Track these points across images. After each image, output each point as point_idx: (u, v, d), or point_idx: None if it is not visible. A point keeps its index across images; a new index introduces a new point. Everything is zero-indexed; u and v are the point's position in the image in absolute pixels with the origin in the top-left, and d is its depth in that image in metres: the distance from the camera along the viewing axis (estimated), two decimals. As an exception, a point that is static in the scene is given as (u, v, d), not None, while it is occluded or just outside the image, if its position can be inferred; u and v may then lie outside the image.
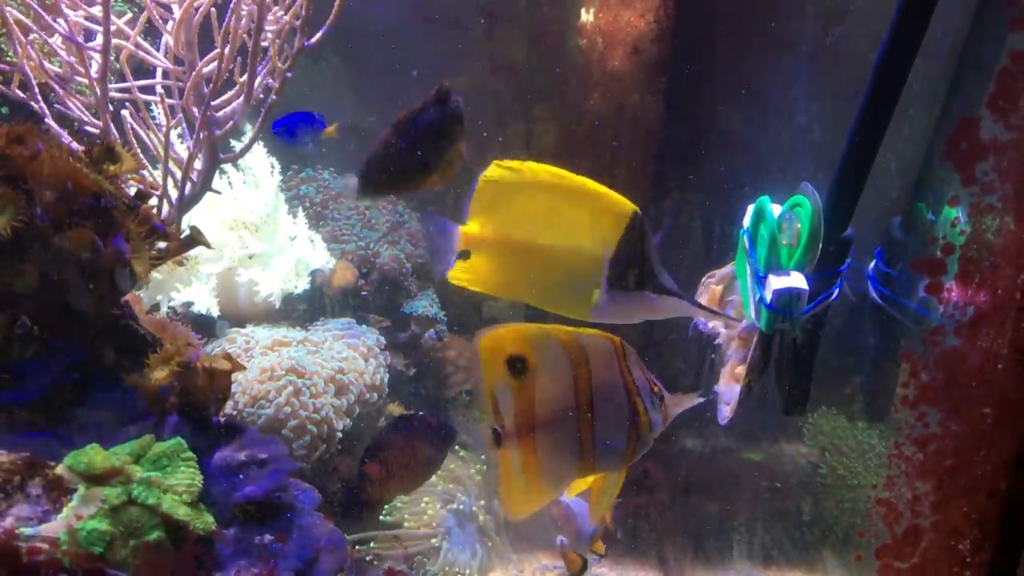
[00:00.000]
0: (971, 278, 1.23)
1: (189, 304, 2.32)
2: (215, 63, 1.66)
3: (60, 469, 1.36)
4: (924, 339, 1.26)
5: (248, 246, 2.45)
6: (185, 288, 2.32)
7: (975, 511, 1.30)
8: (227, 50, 1.61)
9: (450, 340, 3.13)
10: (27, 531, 1.29)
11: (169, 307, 2.30)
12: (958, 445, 1.28)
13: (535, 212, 1.74)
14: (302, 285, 2.55)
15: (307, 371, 2.29)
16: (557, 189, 1.73)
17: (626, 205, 1.71)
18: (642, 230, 1.71)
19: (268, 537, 1.49)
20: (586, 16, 3.22)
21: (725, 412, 1.91)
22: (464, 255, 1.79)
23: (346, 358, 2.44)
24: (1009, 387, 1.24)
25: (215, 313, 2.35)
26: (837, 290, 1.82)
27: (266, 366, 2.26)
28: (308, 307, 2.66)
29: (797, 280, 1.76)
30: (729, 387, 1.93)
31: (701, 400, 1.51)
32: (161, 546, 1.35)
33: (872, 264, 2.00)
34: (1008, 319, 1.22)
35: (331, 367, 2.36)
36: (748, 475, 3.03)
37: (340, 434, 2.33)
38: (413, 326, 2.95)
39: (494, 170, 1.75)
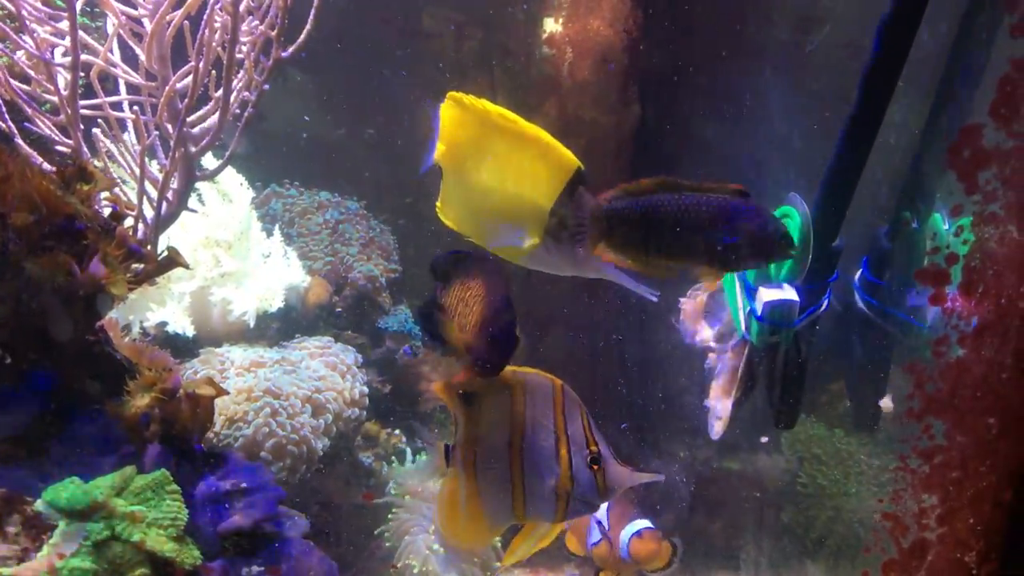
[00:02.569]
0: (974, 287, 1.21)
1: (163, 324, 2.25)
2: (188, 78, 1.61)
3: (39, 505, 1.30)
4: (929, 348, 1.25)
5: (222, 264, 2.39)
6: (159, 308, 2.26)
7: (981, 522, 1.29)
8: (201, 64, 1.56)
9: (425, 355, 3.08)
10: (6, 571, 1.23)
11: (142, 327, 2.23)
12: (963, 456, 1.27)
13: (483, 151, 1.73)
14: (276, 303, 2.49)
15: (284, 392, 2.24)
16: (509, 132, 1.72)
17: (571, 160, 1.70)
18: (584, 187, 1.70)
19: (257, 568, 1.44)
20: (554, 26, 3.21)
21: (717, 427, 1.89)
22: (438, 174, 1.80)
23: (323, 377, 2.39)
24: (1013, 397, 1.23)
25: (189, 333, 2.28)
26: (827, 301, 1.81)
27: (242, 387, 2.21)
28: (282, 325, 2.60)
29: (788, 292, 1.75)
30: (720, 402, 1.91)
31: (659, 479, 1.41)
32: (147, 583, 1.29)
33: (858, 274, 2.00)
34: (1011, 329, 1.22)
35: (308, 387, 2.31)
36: (727, 485, 3.02)
37: (320, 453, 2.28)
38: (388, 342, 2.90)
39: (449, 103, 1.74)
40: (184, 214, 1.86)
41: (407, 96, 3.24)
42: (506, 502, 1.38)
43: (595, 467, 1.33)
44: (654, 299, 1.71)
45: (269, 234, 2.61)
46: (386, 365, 2.89)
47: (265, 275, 2.49)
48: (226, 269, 2.41)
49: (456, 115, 1.75)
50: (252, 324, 2.44)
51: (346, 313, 2.81)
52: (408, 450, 2.69)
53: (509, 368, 1.39)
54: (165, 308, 2.30)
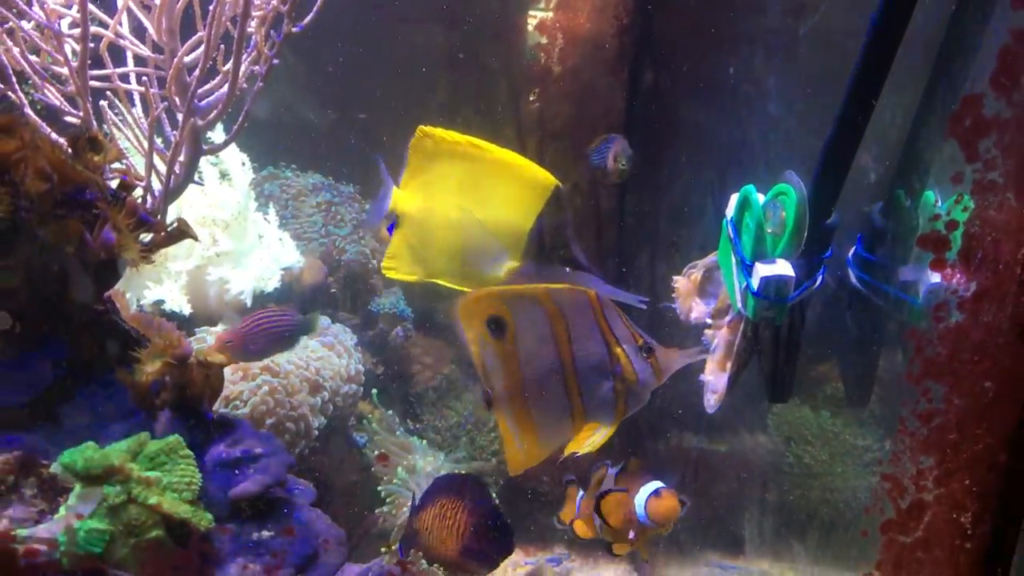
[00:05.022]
0: (973, 254, 1.25)
1: (160, 302, 2.26)
2: (196, 51, 1.62)
3: (55, 468, 1.31)
4: (924, 320, 1.28)
5: (219, 243, 2.39)
6: (155, 286, 2.26)
7: (976, 484, 1.32)
8: (211, 37, 1.57)
9: (416, 338, 3.11)
10: (23, 532, 1.24)
11: (139, 306, 2.24)
12: (961, 419, 1.31)
13: (457, 183, 1.76)
14: (273, 283, 2.50)
15: (282, 369, 2.25)
16: (480, 160, 1.75)
17: (548, 179, 1.73)
18: (562, 204, 1.73)
19: (267, 533, 1.46)
20: (545, 12, 3.23)
21: (712, 401, 1.93)
22: (393, 223, 1.84)
23: (320, 356, 2.41)
24: (1009, 362, 1.27)
25: (186, 311, 2.29)
26: (821, 277, 1.85)
27: (239, 365, 2.22)
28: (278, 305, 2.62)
29: (784, 267, 1.78)
30: (716, 376, 1.94)
31: (703, 356, 1.47)
32: (162, 544, 1.31)
33: (852, 250, 2.04)
34: (1008, 295, 1.25)
35: (305, 365, 2.32)
36: (715, 466, 3.06)
37: (316, 431, 2.30)
38: (380, 324, 2.92)
39: (419, 137, 1.77)
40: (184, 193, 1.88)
41: (398, 83, 3.26)
42: (564, 421, 1.43)
43: (649, 356, 1.40)
44: (643, 307, 1.75)
45: (265, 215, 2.62)
46: (379, 346, 2.91)
47: (261, 255, 2.50)
48: (223, 249, 2.41)
49: (427, 148, 1.78)
50: (249, 304, 2.45)
51: (340, 294, 2.82)
52: (400, 429, 2.71)
53: (540, 287, 1.43)
54: (162, 286, 2.30)
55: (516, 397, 1.46)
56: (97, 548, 1.25)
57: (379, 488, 2.46)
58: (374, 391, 2.69)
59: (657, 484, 1.79)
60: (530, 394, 1.46)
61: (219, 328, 2.39)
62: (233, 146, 2.39)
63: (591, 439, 1.48)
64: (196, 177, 2.33)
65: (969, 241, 1.24)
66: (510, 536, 1.87)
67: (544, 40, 3.12)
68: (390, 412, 2.70)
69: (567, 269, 1.76)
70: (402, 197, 1.80)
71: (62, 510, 1.28)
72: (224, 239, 2.41)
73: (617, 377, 1.44)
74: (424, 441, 2.72)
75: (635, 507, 1.79)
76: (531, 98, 3.19)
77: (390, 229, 1.84)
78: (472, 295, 1.48)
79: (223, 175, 2.45)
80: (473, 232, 1.71)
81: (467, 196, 1.75)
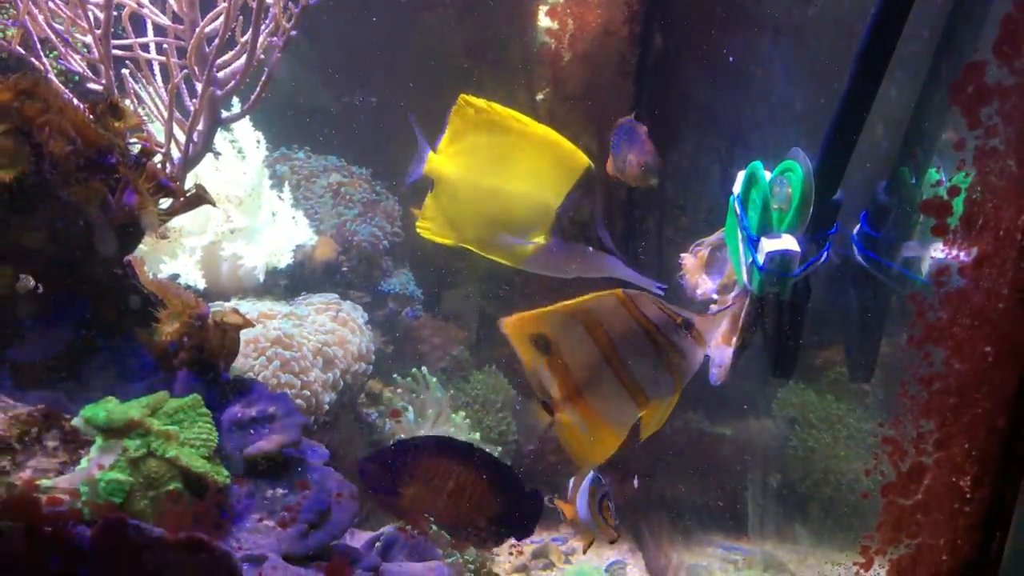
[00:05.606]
0: (974, 220, 1.28)
1: (175, 277, 2.29)
2: (216, 22, 1.66)
3: (76, 421, 1.34)
4: (931, 281, 1.31)
5: (232, 220, 2.43)
6: (171, 260, 2.30)
7: (976, 448, 1.34)
8: (231, 8, 1.60)
9: (425, 319, 3.14)
10: (46, 483, 1.28)
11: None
12: (960, 383, 1.33)
13: (494, 153, 1.80)
14: (285, 260, 2.54)
15: (294, 342, 2.28)
16: (518, 133, 1.79)
17: (581, 159, 1.77)
18: (592, 185, 1.77)
19: (281, 491, 1.49)
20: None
21: (718, 374, 1.95)
22: (433, 186, 1.85)
23: (331, 331, 2.44)
24: (1009, 327, 1.29)
25: (201, 286, 2.33)
26: (826, 253, 1.88)
27: (250, 337, 2.25)
28: (290, 282, 2.65)
29: (789, 243, 1.81)
30: (720, 350, 1.97)
31: (734, 308, 1.54)
32: (180, 497, 1.34)
33: (857, 227, 2.06)
34: (1009, 260, 1.28)
35: (317, 339, 2.36)
36: (719, 449, 3.09)
37: (327, 406, 2.33)
38: (390, 304, 2.96)
39: (461, 105, 1.81)
40: (197, 169, 1.92)
41: (411, 66, 3.29)
42: (627, 403, 1.50)
43: (691, 331, 1.46)
44: (660, 292, 1.80)
45: (279, 193, 2.66)
46: (389, 326, 2.94)
47: (274, 232, 2.54)
48: (236, 225, 2.45)
49: (469, 116, 1.81)
50: (261, 279, 2.49)
51: (351, 273, 2.86)
52: (410, 407, 2.75)
53: (567, 304, 1.49)
54: (177, 261, 2.34)
55: (576, 399, 1.53)
56: (118, 499, 1.29)
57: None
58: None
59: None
60: (589, 396, 1.53)
61: (232, 303, 2.43)
62: (247, 124, 2.43)
63: (657, 416, 1.57)
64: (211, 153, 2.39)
65: (970, 207, 1.27)
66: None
67: (555, 25, 3.16)
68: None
69: (590, 249, 1.80)
70: (438, 161, 1.84)
71: (83, 462, 1.31)
72: (238, 215, 2.45)
73: (667, 359, 1.51)
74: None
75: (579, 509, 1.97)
76: (542, 83, 3.23)
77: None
78: (513, 319, 1.54)
79: (239, 152, 2.49)
80: (504, 203, 1.75)
81: (502, 167, 1.79)
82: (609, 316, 1.50)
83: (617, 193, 2.99)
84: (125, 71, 1.69)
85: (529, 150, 1.80)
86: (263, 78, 1.65)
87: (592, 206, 1.81)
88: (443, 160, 1.84)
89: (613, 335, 1.49)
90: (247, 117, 2.08)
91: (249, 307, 2.40)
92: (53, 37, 1.59)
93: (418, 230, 1.89)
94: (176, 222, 2.10)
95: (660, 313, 1.49)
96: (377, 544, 1.67)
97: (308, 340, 2.33)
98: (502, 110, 1.81)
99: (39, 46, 1.59)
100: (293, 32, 1.61)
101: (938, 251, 1.93)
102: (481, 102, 1.82)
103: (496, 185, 1.64)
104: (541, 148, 1.80)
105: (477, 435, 2.79)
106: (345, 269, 2.82)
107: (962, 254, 1.28)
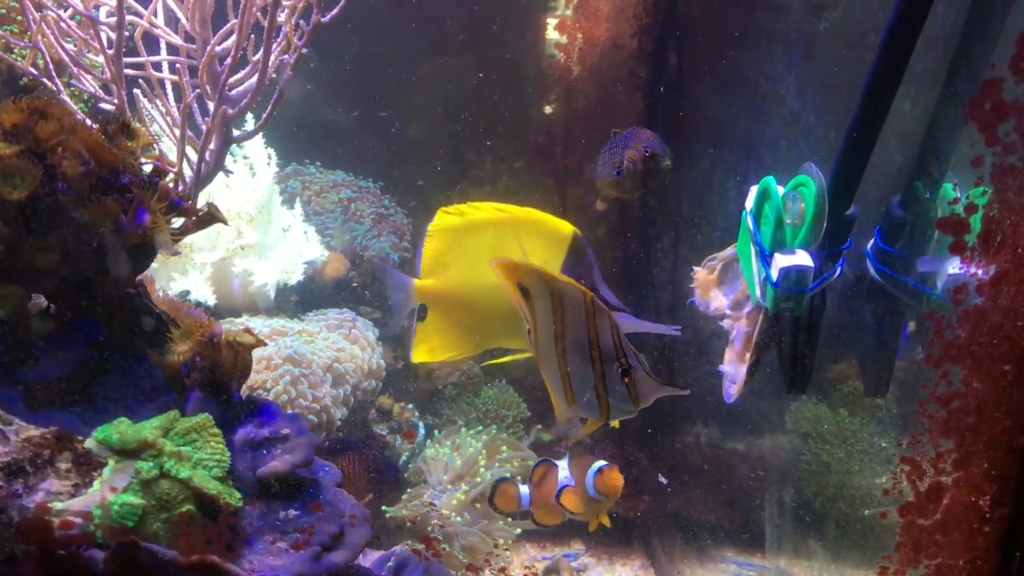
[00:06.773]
0: (992, 237, 1.26)
1: (185, 293, 2.30)
2: (227, 41, 1.66)
3: (89, 443, 1.34)
4: (949, 299, 1.30)
5: (243, 236, 2.43)
6: (181, 277, 2.30)
7: (995, 467, 1.33)
8: (243, 25, 1.61)
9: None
10: (58, 505, 1.27)
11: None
12: (980, 402, 1.32)
13: (482, 251, 1.82)
14: (296, 276, 2.54)
15: (305, 359, 2.28)
16: (499, 224, 1.82)
17: (566, 228, 1.82)
18: (583, 249, 1.80)
19: (294, 512, 1.48)
20: (565, 11, 3.27)
21: (732, 391, 1.95)
22: (422, 313, 1.86)
23: (342, 348, 2.44)
24: (1028, 344, 1.28)
25: (211, 302, 2.33)
26: (840, 268, 1.87)
27: (263, 355, 2.25)
28: (300, 298, 2.66)
29: (803, 258, 1.80)
30: (735, 366, 1.96)
31: (684, 392, 1.46)
32: (193, 519, 1.34)
33: (871, 242, 2.05)
34: (1027, 277, 1.26)
35: (328, 356, 2.36)
36: (732, 464, 3.07)
37: (339, 423, 2.32)
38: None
39: (440, 219, 1.85)
40: (208, 187, 1.92)
41: (419, 81, 3.30)
42: (559, 389, 1.48)
43: (626, 379, 1.40)
44: (677, 334, 1.80)
45: (290, 208, 2.66)
46: (399, 341, 2.94)
47: (285, 248, 2.54)
48: (247, 241, 2.45)
49: (453, 225, 1.83)
50: (272, 296, 2.49)
51: (361, 289, 2.86)
52: (420, 424, 2.74)
53: (550, 276, 1.45)
54: (187, 277, 2.35)
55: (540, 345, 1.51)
56: (131, 522, 1.28)
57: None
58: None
59: (601, 463, 1.99)
60: (541, 355, 1.51)
61: (243, 319, 2.43)
62: (259, 141, 2.44)
63: (584, 429, 1.54)
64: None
65: (988, 224, 1.26)
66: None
67: (563, 39, 3.16)
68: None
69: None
70: (424, 285, 1.86)
71: (96, 484, 1.30)
72: (249, 232, 2.45)
73: (594, 383, 1.45)
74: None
75: (587, 486, 1.98)
76: (551, 96, 3.23)
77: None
78: (504, 262, 1.51)
79: (249, 169, 2.50)
80: (505, 293, 1.75)
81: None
82: (570, 309, 1.46)
83: (630, 212, 2.98)
84: (137, 91, 1.69)
85: (515, 235, 1.83)
86: (275, 96, 1.64)
87: (587, 268, 1.84)
88: (430, 282, 1.86)
89: (567, 326, 1.45)
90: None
91: (261, 324, 2.40)
92: (65, 57, 1.59)
93: (414, 360, 1.92)
94: (187, 239, 2.10)
95: (610, 342, 1.43)
96: (389, 564, 1.66)
97: (319, 356, 2.33)
98: (481, 205, 1.84)
99: (51, 66, 1.59)
100: (304, 51, 1.61)
101: (953, 266, 1.92)
102: (460, 207, 1.85)
103: (494, 280, 1.65)
104: (527, 230, 1.84)
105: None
106: (355, 285, 2.82)
107: (980, 272, 1.27)
